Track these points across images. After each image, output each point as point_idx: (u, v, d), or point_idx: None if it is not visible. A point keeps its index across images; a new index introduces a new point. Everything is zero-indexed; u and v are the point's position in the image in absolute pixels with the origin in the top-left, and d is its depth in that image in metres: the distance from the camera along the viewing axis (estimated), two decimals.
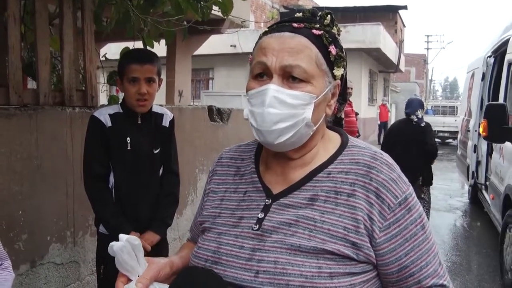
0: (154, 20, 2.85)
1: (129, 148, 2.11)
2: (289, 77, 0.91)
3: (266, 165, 1.02)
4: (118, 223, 2.06)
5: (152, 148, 2.20)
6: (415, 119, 4.92)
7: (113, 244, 0.87)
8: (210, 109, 4.36)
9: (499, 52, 5.80)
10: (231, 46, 14.89)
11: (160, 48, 3.33)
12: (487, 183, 5.65)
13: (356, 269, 0.87)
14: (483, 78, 6.52)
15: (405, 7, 23.45)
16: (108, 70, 3.16)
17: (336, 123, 1.09)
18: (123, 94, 2.18)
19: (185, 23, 2.98)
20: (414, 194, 0.94)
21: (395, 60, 20.54)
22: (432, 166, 5.19)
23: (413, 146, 4.82)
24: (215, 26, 5.88)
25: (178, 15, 2.71)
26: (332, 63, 0.95)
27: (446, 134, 18.48)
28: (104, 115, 2.11)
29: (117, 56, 2.24)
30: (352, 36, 15.31)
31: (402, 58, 23.50)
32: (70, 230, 2.68)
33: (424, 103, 6.10)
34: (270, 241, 0.89)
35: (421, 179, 4.99)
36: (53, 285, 2.59)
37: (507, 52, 5.08)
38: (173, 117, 2.33)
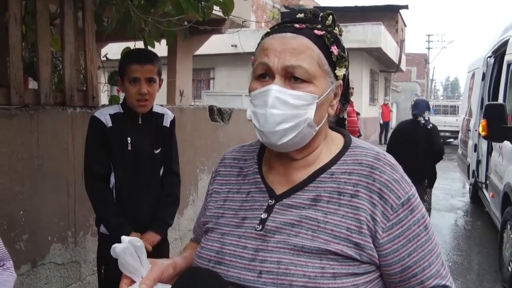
0: (155, 20, 2.85)
1: (129, 148, 2.11)
2: (291, 78, 0.91)
3: (269, 165, 1.02)
4: (119, 224, 2.06)
5: (153, 148, 2.20)
6: (423, 121, 4.93)
7: (116, 246, 0.87)
8: (211, 109, 4.36)
9: (499, 53, 5.87)
10: (232, 46, 14.91)
11: (161, 48, 3.34)
12: (487, 181, 5.72)
13: (359, 269, 0.87)
14: (483, 78, 6.59)
15: (406, 7, 23.44)
16: (109, 70, 3.16)
17: (338, 124, 1.09)
18: (124, 94, 2.18)
19: (186, 23, 2.98)
20: (417, 195, 0.94)
21: (396, 60, 20.53)
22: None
23: (420, 147, 4.83)
24: (216, 26, 5.88)
25: (179, 15, 2.71)
26: (334, 64, 0.95)
27: (447, 134, 18.45)
28: (104, 115, 2.11)
29: (118, 56, 2.24)
30: (353, 35, 15.31)
31: (403, 57, 23.49)
32: (71, 230, 2.68)
33: None
34: (273, 242, 0.89)
35: (426, 181, 5.01)
36: (54, 285, 2.59)
37: (507, 52, 5.15)
38: (174, 117, 2.33)
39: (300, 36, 0.93)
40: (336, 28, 0.99)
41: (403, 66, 23.51)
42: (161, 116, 2.26)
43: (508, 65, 5.13)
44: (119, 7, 2.79)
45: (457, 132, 11.18)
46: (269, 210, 0.94)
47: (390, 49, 18.83)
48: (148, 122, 2.19)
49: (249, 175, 1.04)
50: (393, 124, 20.43)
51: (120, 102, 2.25)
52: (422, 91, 36.69)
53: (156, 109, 2.25)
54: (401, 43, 22.48)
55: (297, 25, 0.95)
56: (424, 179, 4.95)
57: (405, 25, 28.01)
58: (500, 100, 5.20)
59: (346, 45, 1.00)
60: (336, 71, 0.96)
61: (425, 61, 44.64)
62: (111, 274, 2.08)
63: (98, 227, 2.22)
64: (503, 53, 5.39)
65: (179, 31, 3.01)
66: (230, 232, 0.96)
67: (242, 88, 12.92)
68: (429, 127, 4.95)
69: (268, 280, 0.86)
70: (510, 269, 3.95)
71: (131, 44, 2.95)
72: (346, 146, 1.00)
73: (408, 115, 5.66)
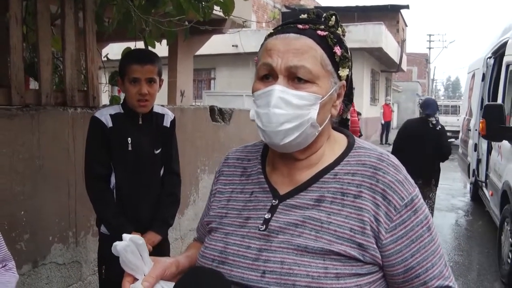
0: (156, 21, 2.85)
1: (130, 148, 2.11)
2: (295, 78, 0.91)
3: (272, 166, 1.03)
4: (119, 224, 2.06)
5: (153, 148, 2.21)
6: (434, 121, 4.93)
7: (117, 244, 0.87)
8: (211, 109, 4.36)
9: (498, 54, 5.95)
10: (232, 46, 14.90)
11: (162, 48, 3.34)
12: (487, 180, 5.80)
13: (362, 270, 0.87)
14: (483, 79, 6.68)
15: (407, 7, 23.43)
16: (110, 70, 3.16)
17: (341, 124, 1.09)
18: (124, 94, 2.18)
19: (186, 23, 2.98)
20: (420, 196, 0.95)
21: (397, 60, 20.52)
22: None
23: (429, 148, 4.83)
24: (217, 26, 5.88)
25: (179, 15, 2.71)
26: (337, 64, 0.95)
27: (448, 134, 18.39)
28: (105, 116, 2.11)
29: (119, 57, 2.24)
30: (354, 35, 15.29)
31: (404, 57, 23.47)
32: (72, 230, 2.68)
33: None
34: (276, 242, 0.90)
35: (433, 181, 5.03)
36: (55, 285, 2.59)
37: (506, 54, 5.24)
38: (174, 117, 2.33)
39: (303, 36, 0.93)
40: (339, 28, 0.99)
41: (404, 66, 23.49)
42: (162, 116, 2.26)
43: (507, 66, 5.20)
44: (119, 7, 2.79)
45: (458, 132, 11.21)
46: (272, 210, 0.95)
47: (391, 49, 18.81)
48: (148, 122, 2.19)
49: (252, 175, 1.04)
50: (394, 124, 20.40)
51: (121, 103, 2.25)
52: (423, 91, 36.67)
53: (157, 109, 2.25)
54: (402, 43, 22.46)
55: (300, 26, 0.95)
56: (431, 179, 4.98)
57: (406, 25, 28.00)
58: (499, 100, 5.28)
59: (347, 45, 1.01)
60: (339, 72, 0.96)
61: (426, 61, 44.61)
62: (111, 274, 2.08)
63: (99, 227, 2.22)
64: (503, 54, 5.47)
65: (179, 31, 3.01)
66: (234, 232, 0.96)
67: (243, 88, 12.93)
68: (438, 128, 4.94)
69: (271, 280, 0.86)
70: (508, 265, 4.02)
71: (132, 44, 2.96)
72: (350, 146, 1.00)
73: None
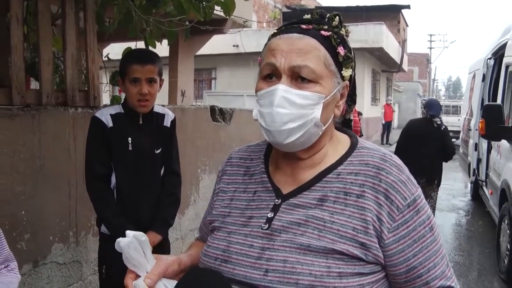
0: (156, 21, 2.85)
1: (130, 148, 2.11)
2: (298, 78, 0.92)
3: (275, 165, 1.03)
4: (120, 224, 2.07)
5: (154, 148, 2.21)
6: (438, 122, 4.98)
7: (120, 240, 0.88)
8: (212, 109, 4.36)
9: (498, 55, 6.04)
10: (233, 46, 14.89)
11: (162, 48, 3.34)
12: (487, 179, 5.89)
13: (364, 269, 0.88)
14: (483, 79, 6.78)
15: (408, 7, 23.43)
16: (111, 70, 3.16)
17: (344, 125, 1.09)
18: (125, 94, 2.18)
19: (187, 23, 2.98)
20: (422, 196, 0.95)
21: (398, 60, 20.50)
22: None
23: (433, 148, 4.88)
24: (218, 26, 5.88)
25: (180, 15, 2.71)
26: (341, 64, 0.96)
27: (449, 134, 18.38)
28: (105, 116, 2.11)
29: (120, 56, 2.24)
30: (354, 35, 15.16)
31: (405, 57, 23.45)
32: (72, 230, 2.69)
33: None
34: (279, 240, 0.90)
35: (436, 180, 5.07)
36: (55, 285, 2.60)
37: (505, 55, 5.32)
38: (175, 117, 2.34)
39: (307, 36, 0.93)
40: (343, 29, 1.00)
41: (405, 66, 23.47)
42: (162, 116, 2.26)
43: (507, 67, 5.27)
44: (120, 7, 2.79)
45: (459, 132, 11.25)
46: (275, 209, 0.95)
47: (392, 49, 18.80)
48: (149, 122, 2.19)
49: (255, 174, 1.05)
50: (395, 124, 20.37)
51: (121, 102, 2.25)
52: (424, 91, 36.63)
53: (157, 109, 2.26)
54: (403, 43, 22.45)
55: (303, 26, 0.96)
56: (434, 179, 5.02)
57: (407, 25, 27.98)
58: (499, 100, 5.35)
59: None
60: (342, 72, 0.96)
61: (427, 61, 44.58)
62: (112, 274, 2.08)
63: (99, 227, 2.22)
64: (502, 55, 5.55)
65: (180, 31, 3.01)
66: (237, 230, 0.96)
67: (243, 88, 12.93)
68: (442, 128, 4.99)
69: (274, 278, 0.86)
70: (506, 262, 4.09)
71: (133, 44, 2.95)
72: (353, 146, 1.00)
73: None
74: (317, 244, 0.87)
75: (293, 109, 0.90)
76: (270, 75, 0.94)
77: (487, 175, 5.92)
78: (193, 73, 8.19)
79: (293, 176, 0.99)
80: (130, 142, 2.11)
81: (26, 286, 2.39)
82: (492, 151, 5.59)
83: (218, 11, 2.92)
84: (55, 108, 2.57)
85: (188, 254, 1.08)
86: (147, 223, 2.17)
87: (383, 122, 18.44)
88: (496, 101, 5.53)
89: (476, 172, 6.77)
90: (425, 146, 4.86)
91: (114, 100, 3.04)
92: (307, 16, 1.00)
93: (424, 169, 4.71)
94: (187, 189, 3.88)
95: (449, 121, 18.43)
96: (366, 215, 0.89)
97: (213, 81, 18.47)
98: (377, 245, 0.89)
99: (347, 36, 1.00)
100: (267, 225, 0.93)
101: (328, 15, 1.00)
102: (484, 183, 6.26)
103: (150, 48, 2.99)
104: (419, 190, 0.95)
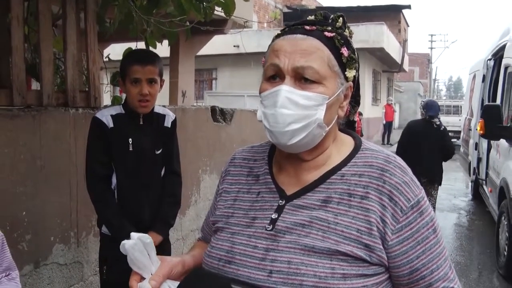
0: (157, 21, 2.85)
1: (131, 149, 2.11)
2: (301, 79, 0.91)
3: (279, 166, 1.03)
4: (120, 224, 2.06)
5: (154, 148, 2.21)
6: (438, 122, 5.06)
7: (125, 242, 0.88)
8: (213, 109, 4.36)
9: (498, 56, 6.15)
10: (234, 46, 14.90)
11: (163, 49, 3.34)
12: (487, 178, 5.99)
13: (368, 271, 0.88)
14: (483, 80, 6.91)
15: (408, 7, 23.42)
16: (112, 71, 3.16)
17: (348, 126, 1.09)
18: (125, 94, 2.18)
19: (187, 23, 2.98)
20: (426, 198, 0.95)
21: (398, 60, 20.50)
22: None
23: (434, 148, 4.96)
24: (218, 26, 5.87)
25: (180, 15, 2.71)
26: (344, 65, 0.96)
27: (450, 134, 18.37)
28: (106, 116, 2.11)
29: (121, 57, 2.24)
30: (355, 35, 14.61)
31: (406, 57, 23.44)
32: (73, 231, 2.69)
33: None
34: (283, 241, 0.90)
35: (437, 180, 5.15)
36: (56, 285, 2.60)
37: (504, 57, 5.44)
38: (175, 117, 2.33)
39: (310, 37, 0.93)
40: (347, 30, 1.00)
41: (405, 66, 23.47)
42: (163, 116, 2.26)
43: (506, 69, 5.36)
44: (121, 8, 2.79)
45: (460, 132, 11.30)
46: (279, 210, 0.95)
47: (393, 49, 18.79)
48: (149, 123, 2.19)
49: (259, 175, 1.04)
50: (396, 124, 20.37)
51: (122, 103, 2.25)
52: (425, 91, 36.62)
53: (158, 109, 2.26)
54: (403, 43, 22.44)
55: (307, 27, 0.96)
56: (435, 178, 5.09)
57: (407, 25, 27.97)
58: (498, 101, 5.46)
59: None
60: (346, 73, 0.96)
61: (428, 61, 44.56)
62: (113, 275, 2.08)
63: (100, 227, 2.22)
64: (502, 57, 5.65)
65: (181, 31, 3.01)
66: (240, 231, 0.96)
67: (244, 88, 12.93)
68: (441, 128, 5.07)
69: (278, 279, 0.86)
70: (504, 257, 4.17)
71: (133, 45, 2.96)
72: (357, 148, 1.00)
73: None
74: (321, 245, 0.87)
75: (296, 110, 0.90)
76: (274, 76, 0.94)
77: (487, 173, 6.01)
78: (194, 73, 8.20)
79: (296, 177, 0.99)
80: (130, 142, 2.11)
81: (27, 287, 2.39)
82: (492, 150, 5.68)
83: (218, 11, 2.92)
84: (55, 108, 2.57)
85: (191, 255, 1.08)
86: (147, 224, 2.17)
87: (384, 122, 18.43)
88: (496, 102, 5.61)
89: (477, 171, 6.87)
90: (425, 146, 4.94)
91: (115, 101, 3.05)
92: (311, 17, 1.00)
93: (425, 169, 4.80)
94: (188, 190, 3.88)
95: (450, 121, 18.48)
96: (370, 216, 0.89)
97: (213, 82, 18.48)
98: (381, 247, 0.88)
99: (351, 37, 1.00)
100: (271, 226, 0.93)
101: (332, 16, 1.00)
102: (484, 182, 6.37)
103: (151, 48, 2.99)
104: (423, 191, 0.95)
